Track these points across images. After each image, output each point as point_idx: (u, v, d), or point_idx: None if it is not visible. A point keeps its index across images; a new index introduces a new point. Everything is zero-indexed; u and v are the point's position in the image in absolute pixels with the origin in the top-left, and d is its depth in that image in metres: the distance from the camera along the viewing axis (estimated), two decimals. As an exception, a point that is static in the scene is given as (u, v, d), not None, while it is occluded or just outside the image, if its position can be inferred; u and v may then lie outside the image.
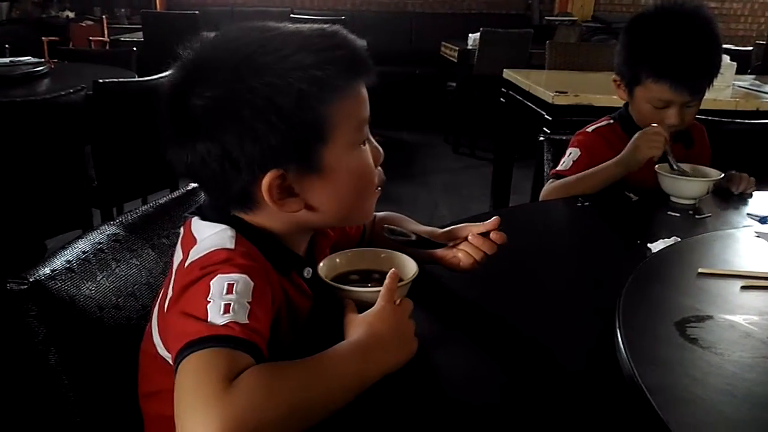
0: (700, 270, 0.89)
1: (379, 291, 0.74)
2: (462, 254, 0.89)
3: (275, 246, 0.76)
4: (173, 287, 0.68)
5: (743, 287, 0.86)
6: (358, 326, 0.71)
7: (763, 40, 4.58)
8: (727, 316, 0.78)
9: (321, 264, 0.82)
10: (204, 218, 0.75)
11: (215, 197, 0.76)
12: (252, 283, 0.65)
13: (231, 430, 0.53)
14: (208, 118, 0.69)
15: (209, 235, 0.72)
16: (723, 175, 1.34)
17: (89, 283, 0.82)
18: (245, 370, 0.57)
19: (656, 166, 1.36)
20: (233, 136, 0.69)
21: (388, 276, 0.75)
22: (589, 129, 1.54)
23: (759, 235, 1.05)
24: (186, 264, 0.69)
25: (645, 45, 1.43)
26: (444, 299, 0.92)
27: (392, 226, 0.90)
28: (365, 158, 0.76)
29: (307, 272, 0.79)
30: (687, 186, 1.33)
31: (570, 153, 1.49)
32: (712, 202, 1.31)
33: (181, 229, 0.77)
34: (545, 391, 0.71)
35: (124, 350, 0.81)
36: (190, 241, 0.73)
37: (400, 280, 0.76)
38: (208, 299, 0.62)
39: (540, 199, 1.45)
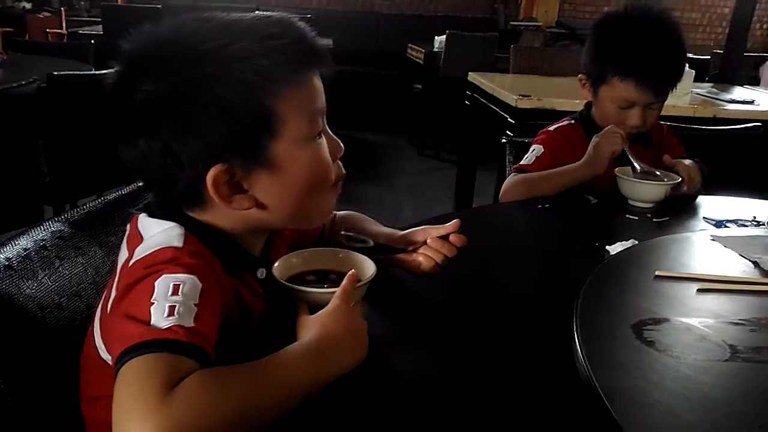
0: (656, 273, 0.90)
1: (334, 292, 0.72)
2: (422, 258, 0.87)
3: (227, 245, 0.73)
4: (117, 287, 0.65)
5: (699, 290, 0.86)
6: (310, 327, 0.68)
7: (720, 50, 4.70)
8: (684, 319, 0.78)
9: (276, 264, 0.79)
10: (152, 215, 0.72)
11: (161, 195, 0.73)
12: (200, 284, 0.62)
13: None
14: (147, 113, 0.66)
15: (156, 233, 0.68)
16: (681, 179, 1.36)
17: (30, 281, 0.78)
18: (188, 376, 0.55)
19: (615, 169, 1.37)
20: (174, 131, 0.66)
21: (346, 277, 0.73)
22: (552, 128, 1.56)
23: (714, 238, 1.06)
24: (131, 263, 0.66)
25: (613, 43, 1.44)
26: (405, 301, 0.91)
27: (349, 232, 0.87)
28: (319, 152, 0.73)
29: (261, 273, 0.77)
30: (644, 189, 1.34)
31: (533, 149, 1.50)
32: (669, 205, 1.32)
33: (128, 226, 0.74)
34: (504, 394, 0.70)
35: (67, 353, 0.77)
36: (136, 239, 0.69)
37: (358, 280, 0.74)
38: (152, 300, 0.59)
39: (501, 191, 1.45)
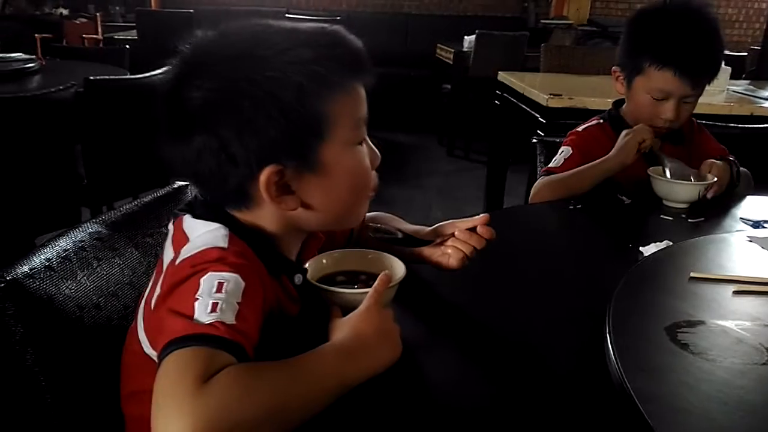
0: (692, 274, 0.88)
1: (365, 293, 0.72)
2: (450, 250, 0.87)
3: (269, 248, 0.74)
4: (162, 284, 0.67)
5: (735, 292, 0.84)
6: (342, 328, 0.69)
7: (757, 46, 4.58)
8: (719, 322, 0.77)
9: (307, 264, 0.80)
10: (196, 216, 0.74)
11: (211, 193, 0.75)
12: (243, 283, 0.64)
13: (204, 426, 0.52)
14: (205, 111, 0.68)
15: (202, 233, 0.70)
16: (716, 179, 1.34)
17: (69, 282, 0.80)
18: (222, 369, 0.56)
19: (649, 169, 1.35)
20: (231, 129, 0.68)
21: (378, 279, 0.73)
22: (580, 129, 1.55)
23: (752, 239, 1.04)
24: (177, 261, 0.68)
25: (650, 33, 1.43)
26: (433, 302, 0.91)
27: (377, 225, 0.88)
28: (362, 158, 0.75)
29: (298, 279, 0.78)
30: (678, 189, 1.32)
31: (562, 152, 1.49)
32: (705, 206, 1.30)
33: (171, 226, 0.76)
34: (534, 397, 0.70)
35: (104, 351, 0.79)
36: (182, 239, 0.71)
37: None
38: (196, 296, 0.61)
39: (531, 195, 1.44)
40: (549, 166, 1.48)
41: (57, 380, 0.76)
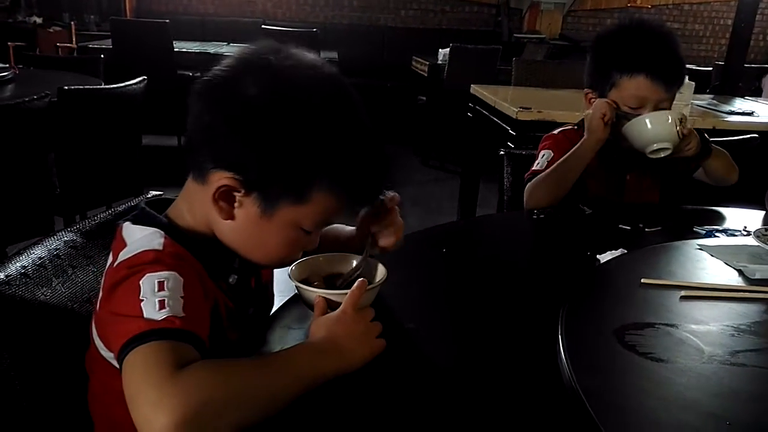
0: (643, 280, 0.93)
1: (344, 294, 0.77)
2: (379, 248, 0.90)
3: (206, 249, 0.78)
4: (102, 288, 0.71)
5: (683, 297, 0.90)
6: (317, 328, 0.74)
7: (722, 61, 4.73)
8: (666, 325, 0.82)
9: (292, 266, 0.85)
10: (135, 223, 0.77)
11: (194, 148, 0.78)
12: (181, 279, 0.68)
13: (183, 413, 0.55)
14: (262, 107, 0.72)
15: (139, 238, 0.74)
16: (684, 115, 1.41)
17: (44, 288, 0.82)
18: (192, 361, 0.60)
19: (622, 128, 1.42)
20: (244, 126, 0.72)
21: (355, 283, 0.78)
22: (556, 132, 1.61)
23: (702, 247, 1.10)
24: (115, 264, 0.71)
25: (616, 48, 1.49)
26: (399, 306, 0.94)
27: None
28: (298, 240, 0.80)
29: (232, 279, 0.82)
30: (654, 120, 1.38)
31: (543, 154, 1.54)
32: (660, 216, 1.36)
33: (114, 235, 0.78)
34: (492, 395, 0.74)
35: (79, 356, 0.81)
36: (120, 244, 0.74)
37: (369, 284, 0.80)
38: (140, 298, 0.64)
39: (525, 198, 1.49)
40: (533, 168, 1.52)
41: (32, 384, 0.78)
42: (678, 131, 1.39)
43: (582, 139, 1.45)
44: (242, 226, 0.77)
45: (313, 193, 0.75)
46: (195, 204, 0.79)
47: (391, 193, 0.89)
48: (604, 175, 1.53)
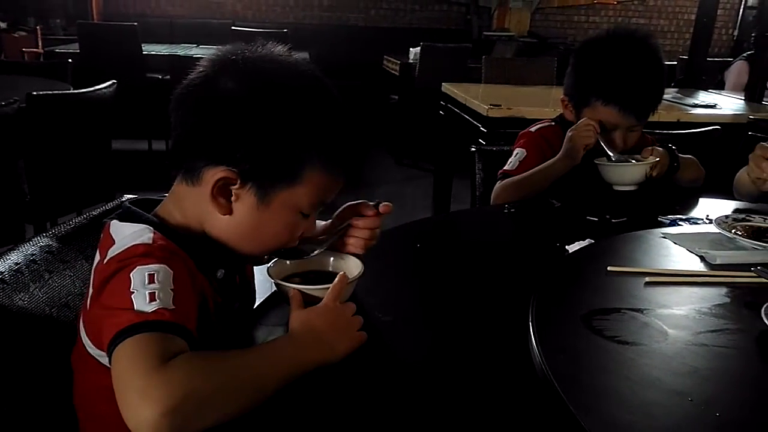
0: (609, 268, 0.97)
1: (321, 289, 0.80)
2: (352, 240, 0.93)
3: (195, 244, 0.79)
4: (93, 284, 0.71)
5: (647, 283, 0.93)
6: (297, 321, 0.76)
7: (686, 55, 4.84)
8: (631, 310, 0.85)
9: (270, 264, 0.87)
10: (122, 221, 0.78)
11: (180, 142, 0.80)
12: (171, 272, 0.69)
13: (169, 404, 0.57)
14: (249, 97, 0.75)
15: (128, 234, 0.75)
16: (658, 159, 1.45)
17: (22, 293, 0.83)
18: (179, 353, 0.61)
19: (595, 160, 1.45)
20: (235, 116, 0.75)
21: (336, 278, 0.80)
22: (533, 129, 1.62)
23: (665, 236, 1.14)
24: (105, 261, 0.72)
25: (596, 69, 1.50)
26: (375, 300, 0.96)
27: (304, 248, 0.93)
28: (296, 224, 0.82)
29: (220, 273, 0.83)
30: (627, 171, 1.44)
31: (516, 153, 1.56)
32: (626, 207, 1.40)
33: (101, 234, 0.79)
34: (466, 381, 0.76)
35: (58, 359, 0.82)
36: (108, 241, 0.75)
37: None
38: (131, 290, 0.66)
39: (492, 198, 1.52)
40: (505, 168, 1.55)
41: (12, 388, 0.78)
42: (647, 173, 1.44)
43: (555, 159, 1.46)
44: (241, 219, 0.79)
45: (305, 172, 0.78)
46: (186, 204, 0.80)
47: (386, 203, 0.93)
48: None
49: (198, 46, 5.30)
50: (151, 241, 0.73)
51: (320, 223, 0.98)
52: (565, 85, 1.59)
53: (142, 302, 0.64)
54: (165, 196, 0.85)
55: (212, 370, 0.62)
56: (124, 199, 0.85)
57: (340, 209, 0.95)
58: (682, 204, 1.48)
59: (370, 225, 0.92)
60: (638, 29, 1.58)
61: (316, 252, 0.90)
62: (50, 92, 2.40)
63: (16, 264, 0.85)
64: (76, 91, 2.61)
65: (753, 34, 4.24)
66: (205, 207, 0.78)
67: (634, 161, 1.48)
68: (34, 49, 5.44)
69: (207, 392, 0.60)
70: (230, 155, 0.75)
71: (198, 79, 0.78)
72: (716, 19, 4.21)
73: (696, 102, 3.11)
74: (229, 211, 0.78)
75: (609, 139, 1.49)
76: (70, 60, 3.56)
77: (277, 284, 0.85)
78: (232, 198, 0.78)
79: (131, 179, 3.21)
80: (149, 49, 4.83)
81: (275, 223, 0.80)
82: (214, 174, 0.76)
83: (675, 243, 1.11)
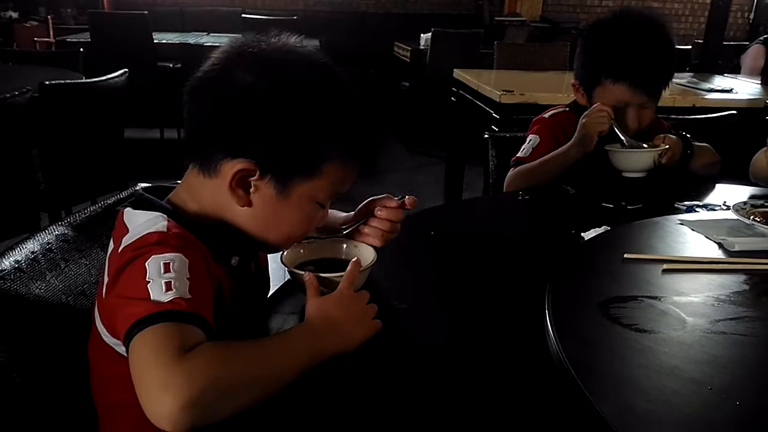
0: (625, 255, 0.96)
1: (335, 276, 0.80)
2: (369, 230, 0.93)
3: (210, 232, 0.79)
4: (108, 273, 0.71)
5: (664, 270, 0.92)
6: (313, 309, 0.76)
7: (701, 39, 4.77)
8: (648, 297, 0.84)
9: (284, 252, 0.87)
10: (135, 209, 0.78)
11: (195, 132, 0.80)
12: (187, 261, 0.69)
13: (190, 395, 0.57)
14: (269, 93, 0.75)
15: (142, 222, 0.75)
16: (668, 146, 1.45)
17: (39, 282, 0.83)
18: (198, 344, 0.61)
19: (606, 146, 1.44)
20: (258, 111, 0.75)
21: (350, 264, 0.80)
22: (547, 115, 1.61)
23: (682, 222, 1.13)
24: (120, 249, 0.72)
25: (605, 47, 1.49)
26: (390, 288, 0.96)
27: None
28: (314, 215, 0.82)
29: (234, 260, 0.83)
30: (635, 157, 1.44)
31: (530, 140, 1.55)
32: (642, 193, 1.39)
33: (115, 222, 0.79)
34: (482, 368, 0.76)
35: (75, 347, 0.82)
36: (122, 230, 0.75)
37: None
38: (147, 279, 0.65)
39: (505, 185, 1.51)
40: (518, 155, 1.54)
41: (30, 377, 0.79)
42: (655, 160, 1.44)
43: (569, 146, 1.45)
44: (260, 210, 0.79)
45: (324, 164, 0.78)
46: (202, 195, 0.80)
47: (411, 196, 0.93)
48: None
49: (209, 34, 5.28)
50: (165, 229, 0.73)
51: (341, 214, 0.98)
52: (575, 68, 1.58)
53: (158, 292, 0.64)
54: (178, 183, 0.85)
55: (232, 361, 0.62)
56: (138, 188, 0.85)
57: (364, 203, 0.94)
58: (699, 190, 1.46)
59: (391, 216, 0.92)
60: (645, 8, 1.56)
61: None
62: (63, 81, 2.41)
63: (33, 253, 0.86)
64: (88, 80, 2.61)
65: (770, 17, 4.16)
66: (224, 198, 0.78)
67: (646, 146, 1.47)
68: (46, 39, 5.47)
69: (227, 383, 0.60)
70: (249, 148, 0.75)
71: (213, 71, 0.77)
72: (732, 2, 4.14)
73: (712, 87, 3.07)
74: (248, 203, 0.78)
75: (622, 119, 1.48)
76: (81, 49, 3.57)
77: (290, 272, 0.85)
78: (251, 190, 0.77)
79: (144, 168, 3.22)
80: (160, 37, 4.83)
81: (294, 214, 0.80)
82: (232, 166, 0.75)
83: (692, 230, 1.10)
